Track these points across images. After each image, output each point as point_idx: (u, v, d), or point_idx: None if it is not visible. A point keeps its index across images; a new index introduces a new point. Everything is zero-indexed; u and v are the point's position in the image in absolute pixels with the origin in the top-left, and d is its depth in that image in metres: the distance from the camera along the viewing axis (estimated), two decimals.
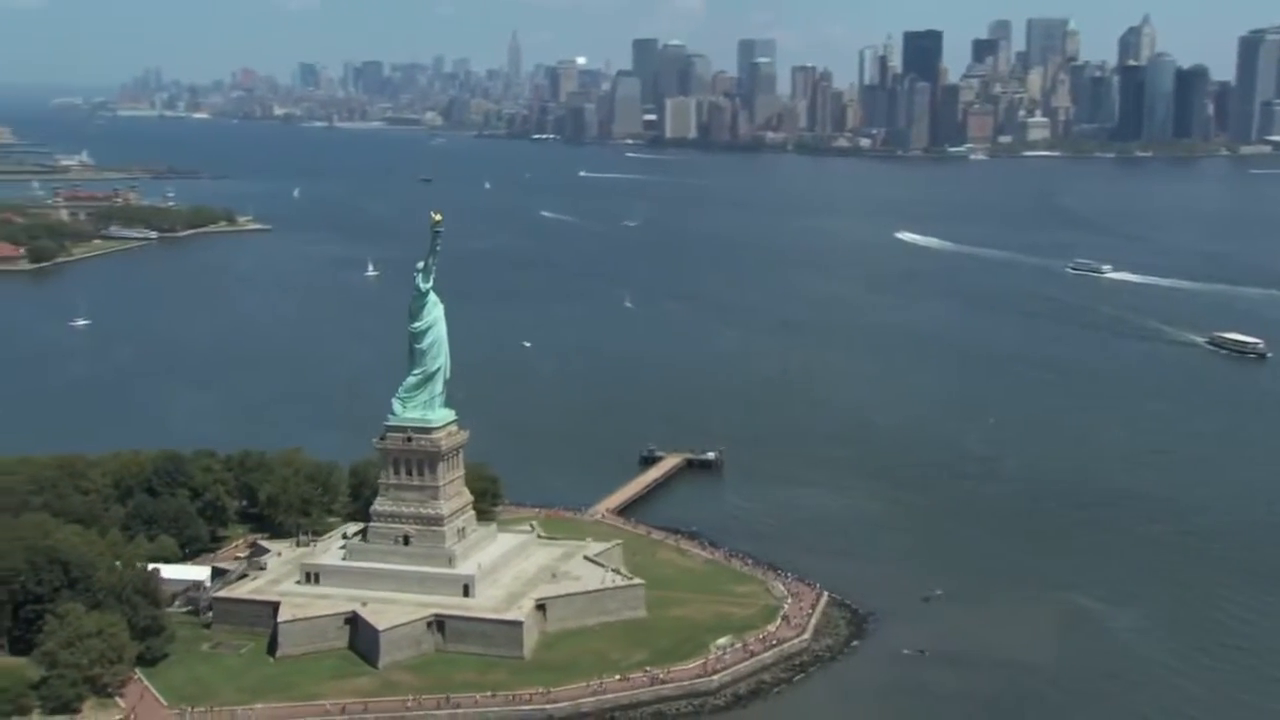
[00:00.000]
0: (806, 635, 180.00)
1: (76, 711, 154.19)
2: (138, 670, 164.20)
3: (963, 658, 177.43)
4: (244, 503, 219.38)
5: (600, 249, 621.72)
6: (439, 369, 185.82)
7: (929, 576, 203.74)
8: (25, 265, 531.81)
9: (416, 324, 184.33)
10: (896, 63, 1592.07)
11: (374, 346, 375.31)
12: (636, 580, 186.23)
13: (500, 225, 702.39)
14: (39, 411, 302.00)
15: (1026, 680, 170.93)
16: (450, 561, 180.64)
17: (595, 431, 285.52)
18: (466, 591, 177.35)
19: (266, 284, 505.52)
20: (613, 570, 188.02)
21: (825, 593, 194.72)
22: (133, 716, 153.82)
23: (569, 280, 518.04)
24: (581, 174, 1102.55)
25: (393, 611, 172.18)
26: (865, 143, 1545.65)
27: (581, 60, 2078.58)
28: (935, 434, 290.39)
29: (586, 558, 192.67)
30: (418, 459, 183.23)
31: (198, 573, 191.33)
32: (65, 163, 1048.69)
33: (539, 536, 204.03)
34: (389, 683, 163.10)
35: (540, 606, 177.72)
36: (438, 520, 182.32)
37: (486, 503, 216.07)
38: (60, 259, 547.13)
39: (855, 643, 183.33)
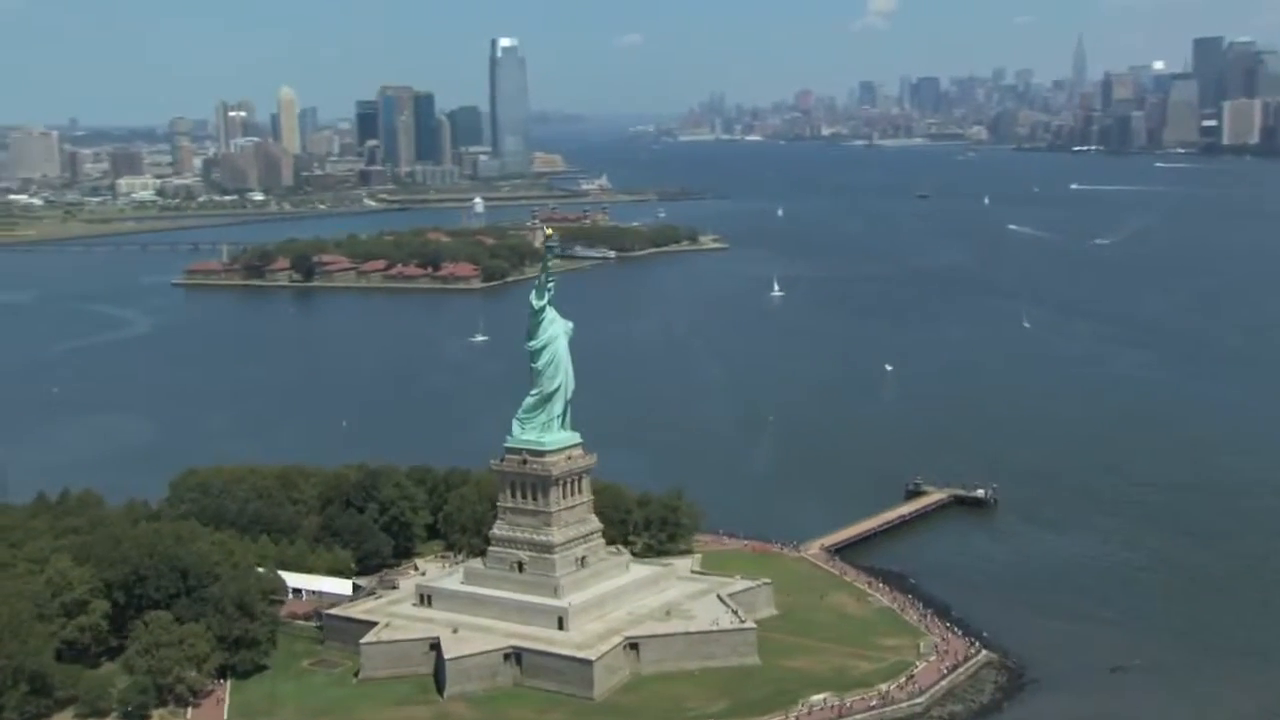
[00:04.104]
0: (922, 698, 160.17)
1: (145, 718, 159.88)
2: (228, 681, 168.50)
3: None
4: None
5: (1050, 267, 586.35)
6: (557, 389, 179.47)
7: (1144, 643, 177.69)
8: (477, 284, 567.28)
9: (532, 343, 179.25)
10: None
11: (724, 366, 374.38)
12: (748, 624, 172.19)
13: (959, 241, 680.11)
14: (384, 420, 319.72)
15: None
16: (555, 592, 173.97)
17: (885, 460, 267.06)
18: (561, 624, 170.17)
19: (681, 302, 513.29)
20: (732, 612, 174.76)
21: (984, 651, 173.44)
22: None
23: (987, 299, 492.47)
24: (1073, 186, 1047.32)
25: (473, 640, 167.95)
26: None
27: (1159, 65, 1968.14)
28: None
29: (719, 596, 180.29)
30: (531, 483, 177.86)
31: (342, 587, 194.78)
32: (585, 187, 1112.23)
33: (692, 571, 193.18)
34: (444, 714, 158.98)
35: (633, 646, 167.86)
36: (548, 548, 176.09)
37: (665, 532, 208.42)
38: (511, 278, 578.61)
39: (992, 714, 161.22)
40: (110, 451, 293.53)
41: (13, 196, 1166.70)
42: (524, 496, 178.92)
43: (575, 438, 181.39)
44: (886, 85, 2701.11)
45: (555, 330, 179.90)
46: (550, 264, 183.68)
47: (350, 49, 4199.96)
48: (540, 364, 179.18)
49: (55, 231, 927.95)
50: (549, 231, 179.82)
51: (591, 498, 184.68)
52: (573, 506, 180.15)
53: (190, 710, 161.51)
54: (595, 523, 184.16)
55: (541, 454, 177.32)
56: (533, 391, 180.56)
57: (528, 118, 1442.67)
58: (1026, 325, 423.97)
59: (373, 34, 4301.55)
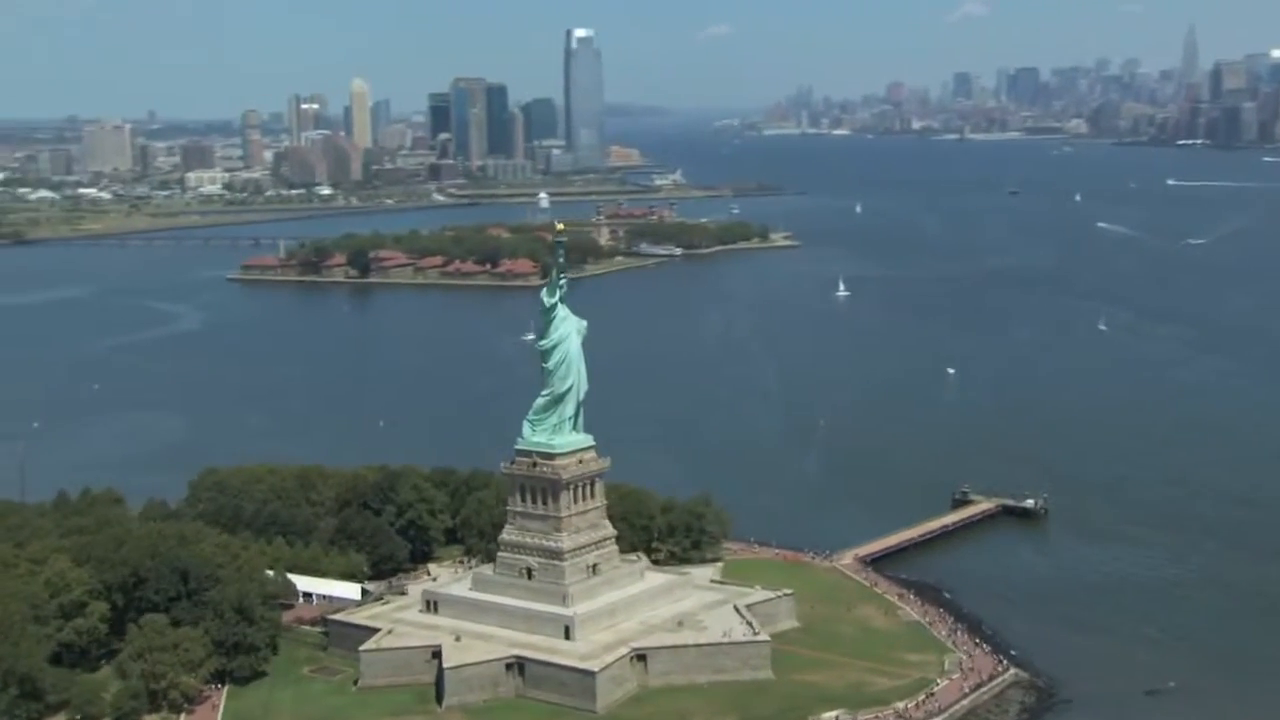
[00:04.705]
0: (941, 718, 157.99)
1: None
2: (225, 687, 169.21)
3: None
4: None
5: (1136, 268, 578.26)
6: (569, 390, 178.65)
7: (1186, 664, 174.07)
8: (536, 281, 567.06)
9: (543, 342, 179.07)
10: None
11: (780, 367, 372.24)
12: (761, 636, 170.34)
13: (1044, 240, 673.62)
14: (422, 420, 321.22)
15: None
16: (564, 600, 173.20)
17: (935, 467, 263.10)
18: (567, 633, 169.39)
19: (743, 301, 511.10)
20: (746, 623, 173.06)
21: (1013, 670, 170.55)
22: None
23: (1064, 300, 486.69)
24: (1169, 182, 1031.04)
25: (475, 649, 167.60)
26: None
27: (1277, 53, 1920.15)
28: None
29: (735, 607, 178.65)
30: (541, 486, 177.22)
31: (351, 591, 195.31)
32: (659, 182, 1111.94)
33: (711, 580, 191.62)
34: None
35: (640, 657, 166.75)
36: (558, 554, 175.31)
37: (689, 539, 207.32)
38: (571, 275, 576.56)
39: None
40: (141, 450, 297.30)
41: (83, 190, 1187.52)
42: (534, 501, 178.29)
43: (587, 440, 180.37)
44: (983, 77, 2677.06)
45: (567, 329, 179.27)
46: (562, 260, 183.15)
47: (427, 40, 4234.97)
48: (551, 364, 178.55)
49: (119, 225, 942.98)
50: (560, 226, 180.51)
51: (605, 503, 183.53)
52: (584, 511, 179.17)
53: (183, 716, 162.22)
54: (608, 529, 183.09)
55: (551, 457, 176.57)
56: (544, 392, 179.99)
57: (602, 110, 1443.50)
58: (1102, 328, 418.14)
59: (449, 24, 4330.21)
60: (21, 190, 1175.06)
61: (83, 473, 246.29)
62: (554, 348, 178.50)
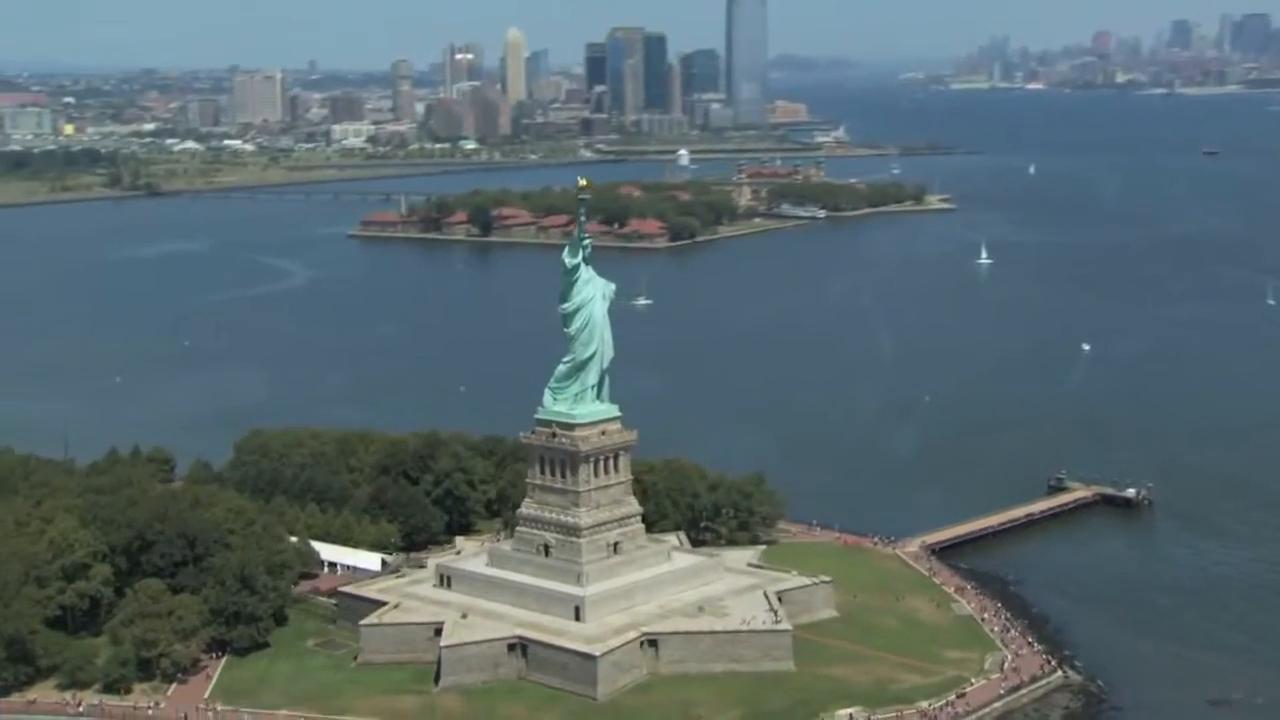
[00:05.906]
0: None
1: (126, 691, 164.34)
2: (224, 657, 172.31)
3: None
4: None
5: None
6: (592, 357, 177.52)
7: (1263, 675, 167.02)
8: (662, 243, 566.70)
9: (565, 305, 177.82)
10: None
11: (900, 338, 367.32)
12: (783, 625, 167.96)
13: (1233, 204, 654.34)
14: (504, 386, 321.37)
15: None
16: (579, 579, 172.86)
17: (1039, 450, 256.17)
18: (578, 614, 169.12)
19: (878, 267, 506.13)
20: (769, 612, 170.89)
21: (1060, 672, 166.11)
22: (162, 704, 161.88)
23: (1238, 271, 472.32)
24: None
25: (478, 628, 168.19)
26: None
27: None
28: None
29: (765, 594, 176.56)
30: (559, 458, 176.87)
31: (372, 563, 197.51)
32: (820, 139, 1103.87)
33: (750, 564, 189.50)
34: (429, 706, 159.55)
35: (651, 643, 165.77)
36: (575, 531, 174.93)
37: (735, 519, 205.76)
38: (701, 237, 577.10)
39: None
40: (211, 408, 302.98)
41: (228, 141, 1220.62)
42: (552, 473, 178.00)
43: (611, 410, 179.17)
44: (1204, 24, 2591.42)
45: (591, 292, 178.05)
46: (584, 219, 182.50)
47: None
48: (573, 329, 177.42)
49: (255, 178, 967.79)
50: (584, 182, 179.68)
51: (630, 478, 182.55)
52: (606, 486, 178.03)
53: (174, 686, 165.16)
54: (633, 505, 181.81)
55: (571, 427, 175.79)
56: (565, 359, 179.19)
57: (766, 63, 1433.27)
58: (1271, 302, 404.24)
59: None
60: (170, 141, 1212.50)
61: (146, 430, 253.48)
62: (576, 311, 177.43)
